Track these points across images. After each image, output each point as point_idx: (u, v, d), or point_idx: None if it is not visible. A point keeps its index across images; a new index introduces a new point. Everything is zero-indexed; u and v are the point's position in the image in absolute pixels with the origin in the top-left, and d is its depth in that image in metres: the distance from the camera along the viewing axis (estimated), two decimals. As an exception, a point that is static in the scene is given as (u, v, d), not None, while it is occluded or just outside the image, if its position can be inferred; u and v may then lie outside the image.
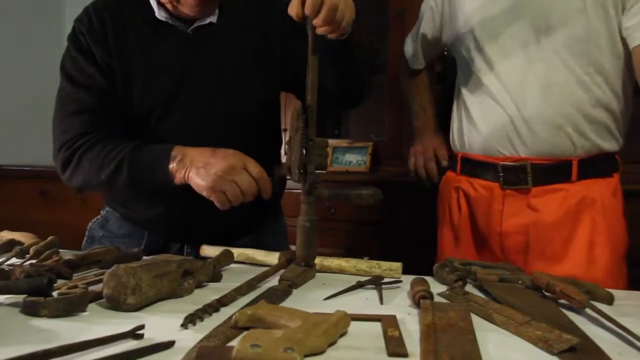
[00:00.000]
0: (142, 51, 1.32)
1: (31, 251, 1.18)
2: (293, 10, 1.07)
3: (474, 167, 1.53)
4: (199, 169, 1.16)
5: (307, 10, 1.05)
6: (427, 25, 1.68)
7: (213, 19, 1.35)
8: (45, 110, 3.22)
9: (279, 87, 1.46)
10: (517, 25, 1.42)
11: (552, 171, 1.42)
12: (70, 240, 1.47)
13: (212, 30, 1.35)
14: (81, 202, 2.56)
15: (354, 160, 2.54)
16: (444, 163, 1.64)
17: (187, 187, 1.20)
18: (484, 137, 1.48)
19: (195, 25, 1.34)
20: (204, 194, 1.17)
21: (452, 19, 1.57)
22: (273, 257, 1.19)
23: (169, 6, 1.31)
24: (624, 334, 0.77)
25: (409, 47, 1.78)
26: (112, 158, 1.22)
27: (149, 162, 1.21)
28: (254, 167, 1.16)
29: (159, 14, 1.32)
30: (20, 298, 0.84)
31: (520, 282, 1.02)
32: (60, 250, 1.20)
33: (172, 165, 1.18)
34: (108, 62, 1.31)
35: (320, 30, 1.09)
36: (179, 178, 1.18)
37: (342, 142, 2.60)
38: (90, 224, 1.50)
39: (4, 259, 1.17)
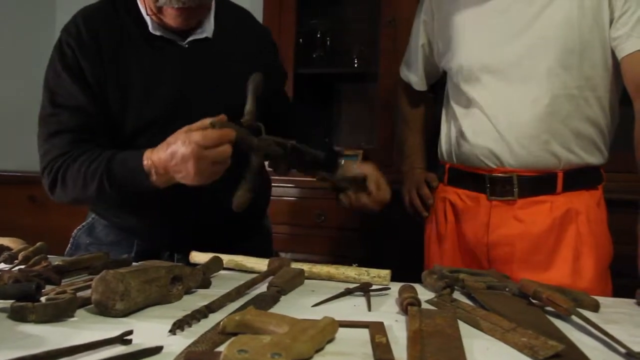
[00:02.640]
0: (138, 64, 1.29)
1: (20, 257, 1.18)
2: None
3: (461, 177, 1.54)
4: (181, 174, 1.11)
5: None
6: (420, 46, 1.68)
7: (209, 33, 1.36)
8: (33, 115, 3.22)
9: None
10: (508, 40, 1.43)
11: (538, 183, 1.44)
12: (59, 245, 1.47)
13: (208, 45, 1.35)
14: (71, 208, 2.54)
15: (345, 168, 2.54)
16: (435, 184, 1.64)
17: (174, 195, 1.19)
18: (471, 148, 1.48)
19: (190, 38, 1.33)
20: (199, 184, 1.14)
21: (443, 34, 1.58)
22: (262, 264, 1.19)
23: (154, 18, 1.29)
24: (609, 341, 0.78)
25: (408, 75, 1.75)
26: (92, 176, 1.20)
27: (127, 179, 1.17)
28: (204, 139, 1.07)
29: (153, 29, 1.31)
30: (8, 303, 0.84)
31: (507, 289, 1.02)
32: (48, 256, 1.20)
33: (152, 178, 1.15)
34: (100, 76, 1.27)
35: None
36: (164, 184, 1.16)
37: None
38: (75, 230, 1.48)
39: (-8, 264, 1.16)
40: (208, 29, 1.36)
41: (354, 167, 1.45)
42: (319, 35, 2.85)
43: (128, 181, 1.18)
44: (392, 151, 2.48)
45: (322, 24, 2.86)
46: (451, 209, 1.56)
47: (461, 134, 1.51)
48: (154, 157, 1.14)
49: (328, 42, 2.86)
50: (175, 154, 1.09)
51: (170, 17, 1.26)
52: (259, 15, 2.58)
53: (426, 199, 1.65)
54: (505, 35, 1.43)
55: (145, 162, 1.15)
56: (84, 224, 1.48)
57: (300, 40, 2.74)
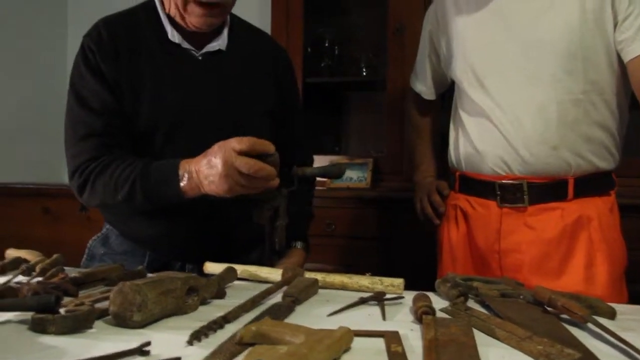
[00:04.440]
0: (152, 70, 1.34)
1: (37, 269, 1.19)
2: None
3: (472, 185, 1.54)
4: (209, 179, 1.16)
5: None
6: (427, 55, 1.70)
7: (222, 46, 1.40)
8: (48, 128, 3.28)
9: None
10: (509, 46, 1.44)
11: (548, 190, 1.44)
12: (73, 257, 1.49)
13: (220, 57, 1.40)
14: (84, 219, 2.57)
15: (355, 176, 2.55)
16: (446, 192, 1.64)
17: (187, 205, 1.23)
18: (480, 156, 1.49)
19: (204, 50, 1.38)
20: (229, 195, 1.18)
21: (447, 42, 1.59)
22: (276, 274, 1.20)
23: (177, 18, 1.34)
24: (626, 348, 0.78)
25: (417, 84, 1.77)
26: (124, 181, 1.24)
27: (160, 184, 1.22)
28: (238, 144, 1.13)
29: (172, 36, 1.36)
30: (28, 315, 0.85)
31: (521, 297, 1.03)
32: (65, 267, 1.21)
33: (183, 184, 1.20)
34: (117, 79, 1.32)
35: None
36: (193, 194, 1.20)
37: (342, 159, 2.62)
38: (90, 241, 1.50)
39: (11, 276, 1.18)
40: (222, 42, 1.40)
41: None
42: (327, 44, 2.87)
43: (160, 186, 1.22)
44: (402, 159, 2.49)
45: (330, 33, 2.88)
46: (462, 216, 1.56)
47: (469, 142, 1.52)
48: (190, 164, 1.19)
49: (336, 51, 2.88)
50: (210, 159, 1.15)
51: (194, 16, 1.31)
52: (267, 25, 2.60)
53: (437, 207, 1.65)
54: (506, 40, 1.44)
55: (180, 168, 1.20)
56: (98, 234, 1.50)
57: (309, 49, 2.75)
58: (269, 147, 1.14)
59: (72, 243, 2.61)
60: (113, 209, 1.40)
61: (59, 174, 3.35)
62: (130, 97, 1.32)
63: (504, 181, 1.46)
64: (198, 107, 1.35)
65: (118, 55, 1.33)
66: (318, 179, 2.29)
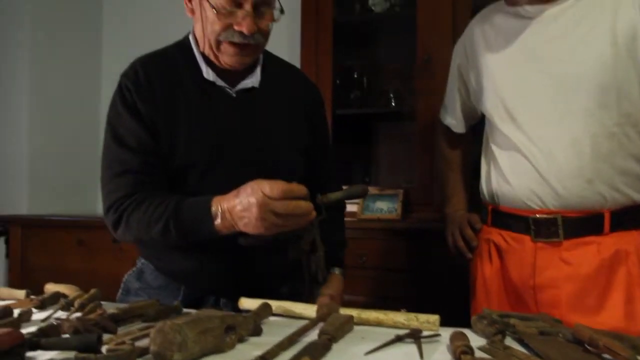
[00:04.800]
0: (187, 109, 1.37)
1: (75, 304, 1.21)
2: None
3: (505, 219, 1.53)
4: (244, 221, 1.18)
5: None
6: (456, 89, 1.71)
7: (255, 83, 1.43)
8: (83, 162, 3.35)
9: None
10: (540, 82, 1.44)
11: (584, 224, 1.42)
12: (107, 288, 1.51)
13: (254, 94, 1.43)
14: (118, 251, 2.61)
15: (385, 207, 2.55)
16: (478, 226, 1.64)
17: (221, 240, 1.24)
18: (513, 190, 1.48)
19: (238, 87, 1.41)
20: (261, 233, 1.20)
21: (476, 76, 1.60)
22: (311, 310, 1.20)
23: (211, 56, 1.38)
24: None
25: (446, 117, 1.78)
26: (157, 218, 1.27)
27: (193, 223, 1.24)
28: (270, 191, 1.15)
29: (207, 74, 1.39)
30: (71, 354, 0.86)
31: (560, 335, 1.01)
32: (102, 302, 1.23)
33: (217, 223, 1.22)
34: (153, 117, 1.35)
35: None
36: (228, 232, 1.22)
37: (372, 190, 2.62)
38: (125, 275, 1.52)
39: (51, 311, 1.20)
40: (255, 80, 1.43)
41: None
42: (355, 76, 2.90)
43: (193, 225, 1.25)
44: (432, 189, 2.48)
45: (358, 65, 2.91)
46: (496, 251, 1.55)
47: (502, 176, 1.51)
48: (222, 202, 1.21)
49: (365, 83, 2.90)
50: (242, 200, 1.17)
51: (227, 55, 1.35)
52: (296, 57, 2.64)
53: (470, 241, 1.64)
54: (537, 75, 1.44)
55: (213, 206, 1.22)
56: (134, 269, 1.52)
57: (337, 81, 2.78)
58: (301, 192, 1.16)
59: (106, 274, 2.67)
60: (148, 244, 1.42)
61: (93, 205, 3.42)
62: (166, 135, 1.35)
63: (537, 215, 1.45)
64: (233, 144, 1.38)
65: (154, 94, 1.36)
66: (349, 209, 2.31)
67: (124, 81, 1.39)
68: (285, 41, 2.89)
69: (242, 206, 1.17)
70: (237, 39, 1.32)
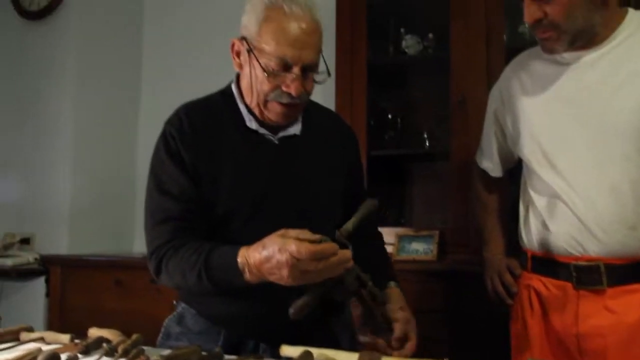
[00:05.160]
0: (231, 157, 1.39)
1: (119, 350, 1.23)
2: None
3: (545, 265, 1.52)
4: (275, 277, 1.18)
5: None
6: (493, 133, 1.71)
7: (297, 130, 1.45)
8: (120, 202, 3.42)
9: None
10: (578, 128, 1.44)
11: (628, 271, 1.40)
12: (143, 329, 1.52)
13: (296, 141, 1.45)
14: (155, 291, 2.64)
15: (421, 248, 2.54)
16: (517, 272, 1.62)
17: (260, 286, 1.24)
18: (553, 236, 1.47)
19: (280, 135, 1.43)
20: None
21: (513, 121, 1.60)
22: (352, 358, 1.20)
23: (256, 111, 1.41)
24: None
25: (483, 161, 1.79)
26: (191, 267, 1.28)
27: (224, 275, 1.26)
28: (299, 252, 1.13)
29: (250, 123, 1.42)
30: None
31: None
32: (144, 347, 1.25)
33: (246, 276, 1.22)
34: (197, 165, 1.37)
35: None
36: (257, 281, 1.23)
37: (408, 231, 2.61)
38: (166, 320, 1.53)
39: (95, 357, 1.22)
40: (297, 127, 1.46)
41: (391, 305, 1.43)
42: (389, 117, 2.92)
43: (223, 276, 1.26)
44: (468, 231, 2.46)
45: (392, 106, 2.93)
46: (537, 298, 1.53)
47: (541, 222, 1.50)
48: (249, 257, 1.21)
49: (399, 123, 2.92)
50: (271, 259, 1.16)
51: (274, 113, 1.37)
52: (331, 100, 2.67)
53: (510, 287, 1.62)
54: (574, 122, 1.44)
55: (239, 260, 1.22)
56: (174, 313, 1.53)
57: (372, 122, 2.81)
58: (330, 251, 1.14)
59: (143, 314, 2.70)
60: (190, 289, 1.44)
61: (130, 245, 3.47)
62: (209, 183, 1.37)
63: (579, 262, 1.43)
64: (275, 191, 1.39)
65: (198, 142, 1.39)
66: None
67: (168, 128, 1.42)
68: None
69: (271, 264, 1.16)
70: (285, 99, 1.35)
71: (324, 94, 2.67)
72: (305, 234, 1.15)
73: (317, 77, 1.38)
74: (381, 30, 2.85)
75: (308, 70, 1.35)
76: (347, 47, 2.72)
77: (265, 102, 1.37)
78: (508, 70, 1.66)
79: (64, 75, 3.27)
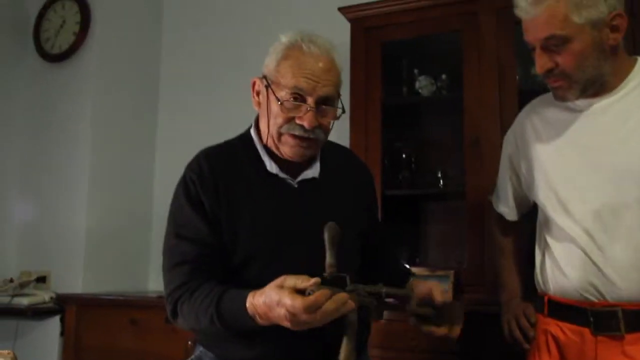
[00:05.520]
0: (250, 202, 1.41)
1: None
2: None
3: (562, 310, 1.51)
4: (285, 324, 1.18)
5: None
6: (508, 178, 1.72)
7: (316, 173, 1.47)
8: (135, 240, 3.45)
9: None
10: (592, 175, 1.45)
11: None
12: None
13: (315, 185, 1.47)
14: (170, 331, 2.62)
15: (436, 289, 2.52)
16: (534, 320, 1.62)
17: (276, 329, 1.23)
18: (569, 282, 1.47)
19: (300, 178, 1.45)
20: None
21: (527, 167, 1.61)
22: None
23: (272, 148, 1.43)
24: None
25: (499, 205, 1.79)
26: (204, 311, 1.29)
27: (234, 318, 1.26)
28: (293, 307, 1.13)
29: (270, 167, 1.44)
30: None
31: None
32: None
33: (257, 321, 1.23)
34: (216, 211, 1.38)
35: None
36: (269, 324, 1.22)
37: (423, 271, 2.60)
38: None
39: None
40: (315, 170, 1.48)
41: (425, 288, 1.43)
42: (404, 156, 2.93)
43: (235, 321, 1.26)
44: (483, 270, 2.45)
45: (407, 146, 2.95)
46: (554, 343, 1.52)
47: (557, 266, 1.50)
48: (255, 303, 1.22)
49: (413, 163, 2.93)
50: (273, 310, 1.17)
51: (288, 146, 1.40)
52: (345, 139, 2.69)
53: (526, 331, 1.62)
54: (588, 168, 1.45)
55: (248, 306, 1.23)
56: (192, 357, 1.52)
57: (386, 162, 2.82)
58: (322, 300, 1.12)
59: (157, 354, 2.69)
60: (207, 331, 1.43)
61: (145, 282, 3.49)
62: (229, 227, 1.38)
63: (596, 308, 1.42)
64: (295, 235, 1.40)
65: (217, 187, 1.40)
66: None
67: (189, 174, 1.44)
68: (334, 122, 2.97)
69: (275, 314, 1.17)
70: (297, 131, 1.37)
71: (339, 134, 2.68)
72: (304, 280, 1.14)
73: (332, 111, 1.40)
74: (395, 71, 2.89)
75: (323, 104, 1.38)
76: (362, 88, 2.75)
77: (279, 135, 1.39)
78: (522, 116, 1.68)
79: (83, 114, 3.34)
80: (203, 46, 3.63)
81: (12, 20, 3.53)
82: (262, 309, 1.20)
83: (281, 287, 1.16)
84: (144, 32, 3.68)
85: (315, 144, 1.42)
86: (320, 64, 1.38)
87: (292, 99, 1.37)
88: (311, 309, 1.11)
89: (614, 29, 1.40)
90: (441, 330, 1.39)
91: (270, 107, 1.40)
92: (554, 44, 1.40)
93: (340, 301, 1.14)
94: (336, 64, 1.42)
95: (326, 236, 1.25)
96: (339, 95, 1.43)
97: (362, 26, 2.78)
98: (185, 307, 1.33)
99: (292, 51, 1.40)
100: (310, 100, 1.36)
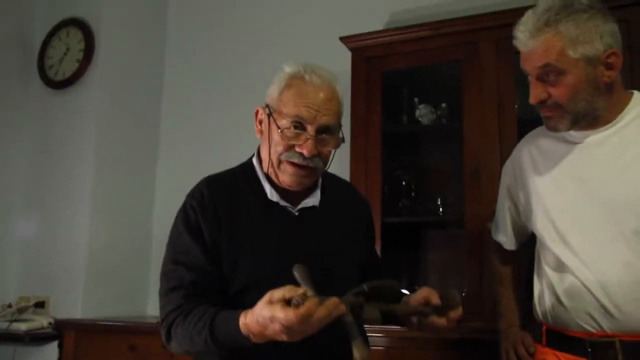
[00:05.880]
0: (251, 229, 1.43)
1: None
2: None
3: (560, 340, 1.51)
4: (283, 338, 1.17)
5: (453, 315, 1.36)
6: (506, 208, 1.73)
7: (316, 202, 1.50)
8: (134, 267, 3.45)
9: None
10: (589, 206, 1.46)
11: None
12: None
13: (315, 213, 1.49)
14: (168, 357, 2.61)
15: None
16: (531, 350, 1.62)
17: (276, 345, 1.23)
18: (567, 312, 1.48)
19: (300, 206, 1.48)
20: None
21: (525, 197, 1.63)
22: None
23: (272, 176, 1.45)
24: None
25: (497, 235, 1.80)
26: (198, 334, 1.29)
27: (230, 340, 1.26)
28: (287, 321, 1.12)
29: (271, 195, 1.46)
30: None
31: None
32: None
33: (252, 340, 1.22)
34: (216, 238, 1.40)
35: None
36: (264, 341, 1.22)
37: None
38: None
39: None
40: (316, 199, 1.50)
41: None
42: (403, 184, 2.95)
43: (230, 341, 1.26)
44: (483, 297, 2.45)
45: (406, 174, 2.97)
46: (552, 372, 1.52)
47: (555, 297, 1.51)
48: (248, 323, 1.21)
49: (412, 191, 2.95)
50: (268, 328, 1.16)
51: (287, 174, 1.42)
52: (346, 168, 2.71)
53: (523, 358, 1.61)
54: (586, 199, 1.47)
55: (241, 327, 1.22)
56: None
57: (386, 189, 2.84)
58: (313, 308, 1.12)
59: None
60: (205, 355, 1.43)
61: (144, 307, 3.48)
62: (229, 255, 1.40)
63: (594, 338, 1.43)
64: (294, 261, 1.39)
65: (218, 215, 1.42)
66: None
67: (190, 201, 1.46)
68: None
69: (271, 331, 1.16)
70: (296, 159, 1.39)
71: (339, 162, 2.70)
72: (290, 290, 1.14)
73: (332, 141, 1.42)
74: (395, 99, 2.92)
75: (324, 133, 1.40)
76: (362, 116, 2.78)
77: (279, 163, 1.42)
78: (520, 146, 1.70)
79: (85, 141, 3.36)
80: (206, 74, 3.67)
81: (17, 47, 3.58)
82: (256, 329, 1.19)
83: (270, 302, 1.15)
84: (147, 59, 3.73)
85: (314, 172, 1.44)
86: (322, 94, 1.40)
87: (292, 127, 1.39)
88: (305, 318, 1.11)
89: (609, 66, 1.43)
90: (442, 320, 1.37)
91: (272, 135, 1.43)
92: (549, 73, 1.43)
93: (331, 305, 1.14)
94: (337, 94, 1.45)
95: (298, 277, 1.22)
96: (340, 125, 1.46)
97: (363, 55, 2.82)
98: (179, 329, 1.34)
99: (294, 81, 1.43)
100: (310, 129, 1.39)
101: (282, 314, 1.12)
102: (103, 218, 3.33)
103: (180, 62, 3.78)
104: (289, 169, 1.41)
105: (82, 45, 3.43)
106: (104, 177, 3.37)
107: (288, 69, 1.46)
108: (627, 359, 1.39)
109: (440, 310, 1.37)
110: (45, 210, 3.41)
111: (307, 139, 1.38)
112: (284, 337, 1.16)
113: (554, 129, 1.51)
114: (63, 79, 3.47)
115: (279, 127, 1.40)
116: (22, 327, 3.04)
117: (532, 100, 1.48)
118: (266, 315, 1.15)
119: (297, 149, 1.39)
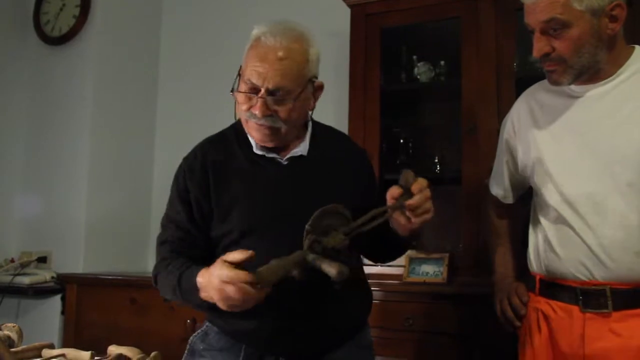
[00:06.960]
0: (241, 182, 1.49)
1: (140, 367, 1.28)
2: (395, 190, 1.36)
3: (553, 289, 1.55)
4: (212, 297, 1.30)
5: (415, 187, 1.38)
6: (504, 162, 1.75)
7: (304, 151, 1.53)
8: (136, 223, 3.48)
9: None
10: (586, 159, 1.48)
11: (633, 296, 1.43)
12: (158, 344, 1.59)
13: (303, 161, 1.52)
14: (168, 310, 2.67)
15: (431, 271, 2.57)
16: (525, 299, 1.66)
17: (277, 300, 1.30)
18: (561, 261, 1.51)
19: (288, 156, 1.51)
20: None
21: (524, 150, 1.65)
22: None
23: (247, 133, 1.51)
24: None
25: (494, 188, 1.82)
26: (170, 285, 1.43)
27: (189, 292, 1.37)
28: (225, 275, 1.24)
29: (257, 149, 1.51)
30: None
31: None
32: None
33: (202, 295, 1.34)
34: (201, 198, 1.49)
35: (409, 214, 1.39)
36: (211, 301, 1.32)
37: (418, 253, 2.65)
38: (191, 337, 1.60)
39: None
40: (303, 148, 1.53)
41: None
42: (401, 142, 2.97)
43: (190, 294, 1.37)
44: (478, 253, 2.49)
45: (404, 131, 2.98)
46: (544, 320, 1.56)
47: (550, 247, 1.54)
48: (205, 280, 1.33)
49: (410, 148, 2.97)
50: (211, 281, 1.29)
51: (253, 131, 1.47)
52: (344, 126, 2.72)
53: (518, 310, 1.66)
54: (584, 152, 1.49)
55: (199, 279, 1.34)
56: (199, 330, 1.59)
57: (384, 146, 2.85)
58: (238, 278, 1.23)
59: (156, 332, 2.75)
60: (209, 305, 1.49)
61: (145, 263, 3.53)
62: (221, 207, 1.48)
63: (585, 287, 1.47)
64: (284, 209, 1.46)
65: (206, 174, 1.50)
66: (394, 272, 2.37)
67: (183, 164, 1.55)
68: (332, 108, 2.99)
69: (209, 285, 1.30)
70: (253, 119, 1.44)
71: (337, 119, 2.72)
72: (241, 253, 1.25)
73: (289, 99, 1.42)
74: (394, 57, 2.91)
75: (276, 94, 1.41)
76: (361, 74, 2.78)
77: (247, 121, 1.47)
78: (519, 101, 1.71)
79: (83, 97, 3.36)
80: (203, 32, 3.64)
81: (11, 3, 3.54)
82: (203, 282, 1.32)
83: (223, 262, 1.26)
84: (144, 15, 3.69)
85: (277, 131, 1.45)
86: (277, 53, 1.40)
87: (247, 90, 1.43)
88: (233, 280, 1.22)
89: (613, 18, 1.43)
90: (402, 218, 1.44)
91: (237, 96, 1.47)
92: (553, 27, 1.43)
93: (243, 290, 1.23)
94: (295, 52, 1.43)
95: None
96: (307, 83, 1.45)
97: (362, 12, 2.80)
98: (160, 280, 1.47)
99: (253, 42, 1.46)
100: (261, 91, 1.41)
101: (222, 269, 1.24)
102: (102, 174, 3.37)
103: (178, 17, 3.75)
104: (253, 126, 1.46)
105: (77, 1, 3.40)
106: (104, 133, 3.39)
107: (255, 30, 1.48)
108: (617, 306, 1.43)
109: (408, 196, 1.41)
110: (45, 170, 3.43)
111: (257, 101, 1.41)
112: (213, 294, 1.28)
113: (557, 82, 1.52)
114: (59, 35, 3.44)
115: (239, 90, 1.45)
116: (26, 280, 3.10)
117: (536, 54, 1.48)
118: (216, 269, 1.27)
119: (252, 110, 1.43)
